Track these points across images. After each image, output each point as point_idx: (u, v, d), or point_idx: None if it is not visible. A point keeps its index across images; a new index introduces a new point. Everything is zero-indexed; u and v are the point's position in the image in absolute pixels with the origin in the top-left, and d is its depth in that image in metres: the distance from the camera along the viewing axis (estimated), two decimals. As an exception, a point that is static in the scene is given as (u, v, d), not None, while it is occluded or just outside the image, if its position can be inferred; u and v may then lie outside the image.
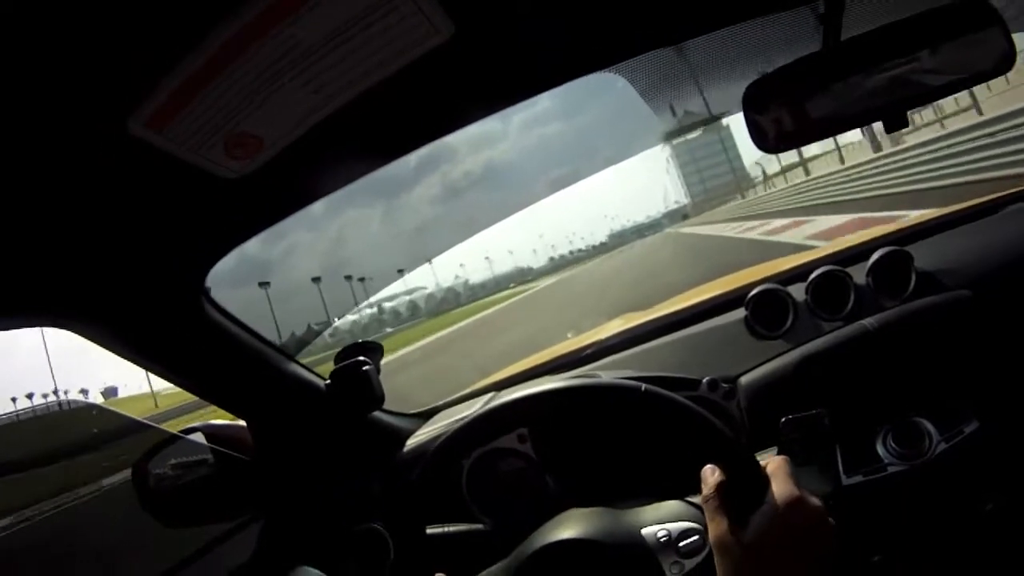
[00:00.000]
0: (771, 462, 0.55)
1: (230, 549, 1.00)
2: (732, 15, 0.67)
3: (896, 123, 0.68)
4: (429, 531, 0.72)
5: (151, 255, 0.66)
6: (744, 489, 0.52)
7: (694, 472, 0.57)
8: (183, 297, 0.74)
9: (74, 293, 0.64)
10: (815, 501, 0.52)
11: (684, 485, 0.64)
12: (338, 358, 0.90)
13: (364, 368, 0.87)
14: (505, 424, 0.68)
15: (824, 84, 0.67)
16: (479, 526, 0.73)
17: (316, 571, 0.83)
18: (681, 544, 0.60)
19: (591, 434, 0.80)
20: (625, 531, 0.62)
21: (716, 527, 0.54)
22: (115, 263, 0.64)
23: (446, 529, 0.71)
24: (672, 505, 0.65)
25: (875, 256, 0.88)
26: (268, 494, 0.91)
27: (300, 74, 0.46)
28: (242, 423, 0.92)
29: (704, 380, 0.83)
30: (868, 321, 0.80)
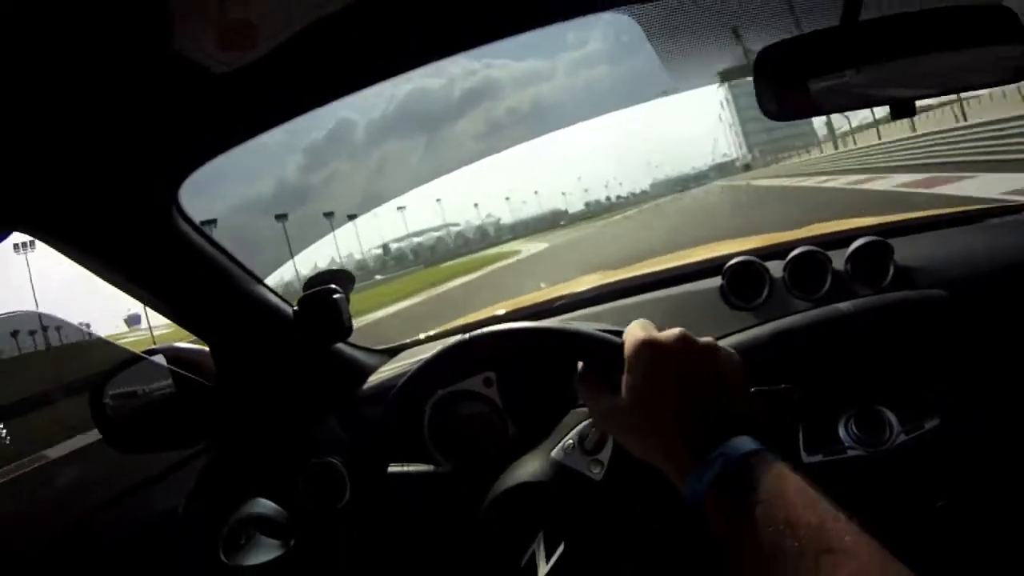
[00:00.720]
0: (627, 329, 0.53)
1: (185, 477, 0.97)
2: None
3: (904, 111, 0.68)
4: (388, 470, 0.71)
5: (124, 156, 0.63)
6: (606, 365, 0.52)
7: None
8: (154, 204, 0.70)
9: (38, 195, 0.60)
10: (669, 333, 0.49)
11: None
12: (308, 285, 0.87)
13: (334, 296, 0.85)
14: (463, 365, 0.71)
15: (837, 60, 0.66)
16: (436, 468, 0.72)
17: (269, 502, 0.82)
18: (585, 444, 0.62)
19: (555, 381, 0.80)
20: (542, 462, 0.63)
21: (593, 409, 0.54)
22: (85, 163, 0.61)
23: (406, 469, 0.70)
24: (567, 418, 0.67)
25: (856, 243, 0.88)
26: (226, 421, 0.89)
27: None
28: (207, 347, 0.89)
29: None
30: (844, 305, 0.81)
